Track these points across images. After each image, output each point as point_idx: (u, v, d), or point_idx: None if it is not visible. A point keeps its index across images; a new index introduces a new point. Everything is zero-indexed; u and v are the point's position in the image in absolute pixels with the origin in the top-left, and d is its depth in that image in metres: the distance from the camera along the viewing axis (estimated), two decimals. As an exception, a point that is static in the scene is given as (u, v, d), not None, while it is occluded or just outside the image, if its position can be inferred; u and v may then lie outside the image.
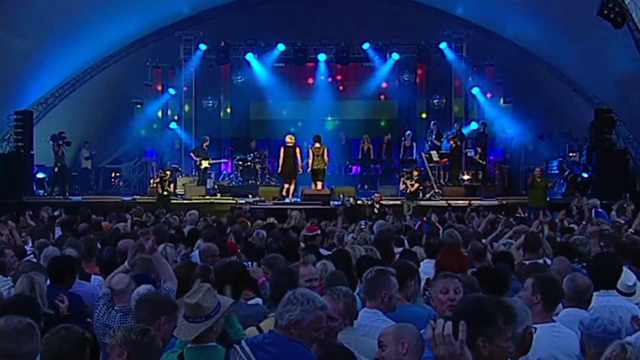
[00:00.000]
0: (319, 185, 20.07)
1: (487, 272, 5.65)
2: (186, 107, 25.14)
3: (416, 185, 19.04)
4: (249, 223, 12.15)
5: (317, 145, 20.06)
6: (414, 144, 23.12)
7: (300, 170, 19.85)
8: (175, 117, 25.08)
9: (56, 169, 22.04)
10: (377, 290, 4.69)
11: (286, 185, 20.38)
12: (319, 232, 9.30)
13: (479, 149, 22.64)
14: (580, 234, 9.10)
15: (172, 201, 20.25)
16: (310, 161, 20.02)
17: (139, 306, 4.34)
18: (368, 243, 8.19)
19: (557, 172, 22.55)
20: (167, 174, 20.33)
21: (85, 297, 5.89)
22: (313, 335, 3.77)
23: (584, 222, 10.60)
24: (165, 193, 19.66)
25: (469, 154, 22.78)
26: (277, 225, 12.10)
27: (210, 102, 25.33)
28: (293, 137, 20.06)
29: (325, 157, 20.00)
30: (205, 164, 22.17)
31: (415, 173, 19.35)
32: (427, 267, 6.70)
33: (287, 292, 3.89)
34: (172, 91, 24.87)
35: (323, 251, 8.31)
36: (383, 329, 3.64)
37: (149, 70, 24.77)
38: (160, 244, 8.30)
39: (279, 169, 20.26)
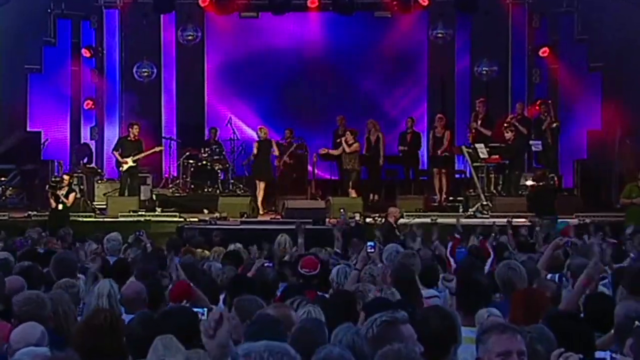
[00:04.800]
0: (353, 193, 21.89)
1: (570, 322, 5.64)
2: (108, 78, 25.04)
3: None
4: (205, 252, 12.12)
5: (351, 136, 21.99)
6: (449, 132, 23.06)
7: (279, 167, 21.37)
8: (92, 93, 24.96)
9: None
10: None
11: (258, 188, 21.71)
12: (317, 270, 9.24)
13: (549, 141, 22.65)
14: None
15: (88, 219, 20.55)
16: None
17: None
18: (376, 280, 8.26)
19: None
20: (63, 180, 20.49)
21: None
22: None
23: None
24: (61, 207, 19.80)
25: (534, 148, 22.74)
26: (243, 253, 12.13)
27: (145, 70, 25.15)
28: (266, 130, 21.85)
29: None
30: (128, 162, 22.02)
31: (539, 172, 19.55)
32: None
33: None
34: (86, 53, 24.76)
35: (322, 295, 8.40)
36: None
37: (50, 21, 24.61)
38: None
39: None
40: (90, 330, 5.54)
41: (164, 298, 7.93)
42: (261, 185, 22.06)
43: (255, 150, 22.17)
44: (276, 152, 22.13)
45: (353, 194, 21.88)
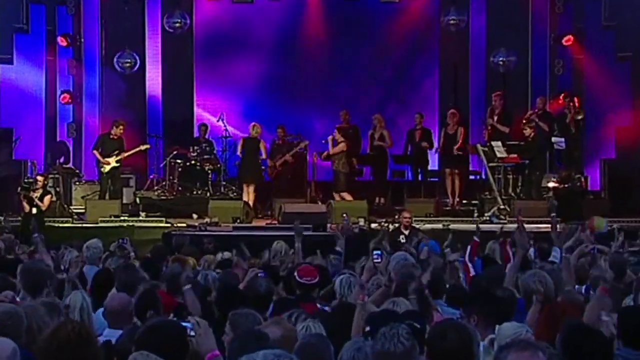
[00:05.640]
0: (347, 196, 21.94)
1: (586, 337, 5.72)
2: (87, 70, 24.98)
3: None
4: (190, 261, 12.14)
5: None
6: (463, 129, 23.02)
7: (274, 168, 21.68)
8: (69, 86, 24.92)
9: None
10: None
11: (245, 191, 21.71)
12: (316, 278, 9.21)
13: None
14: None
15: (65, 225, 20.63)
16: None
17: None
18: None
19: None
20: (37, 181, 20.41)
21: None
22: None
23: None
24: (35, 211, 19.76)
25: (556, 147, 22.68)
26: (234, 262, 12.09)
27: (128, 60, 25.10)
28: (259, 128, 21.91)
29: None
30: (111, 162, 21.93)
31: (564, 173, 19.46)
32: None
33: None
34: (62, 42, 24.70)
35: (322, 307, 8.54)
36: None
37: (22, 6, 24.49)
38: (36, 295, 8.24)
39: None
40: (56, 345, 5.47)
41: (160, 312, 7.92)
42: (250, 189, 21.99)
43: (239, 148, 22.17)
44: (264, 155, 22.17)
45: (337, 197, 21.81)
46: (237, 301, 8.02)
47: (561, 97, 23.44)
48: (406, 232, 17.61)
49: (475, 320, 7.10)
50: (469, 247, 12.20)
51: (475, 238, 12.35)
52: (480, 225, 19.08)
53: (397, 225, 18.64)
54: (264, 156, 22.17)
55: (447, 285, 9.87)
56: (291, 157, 22.79)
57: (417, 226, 18.87)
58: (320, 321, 6.73)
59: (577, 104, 22.83)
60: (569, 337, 5.69)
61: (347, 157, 22.06)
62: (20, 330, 6.41)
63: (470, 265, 11.23)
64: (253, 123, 22.34)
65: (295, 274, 9.30)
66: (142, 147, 22.85)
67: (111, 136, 22.22)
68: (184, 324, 5.91)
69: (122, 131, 22.22)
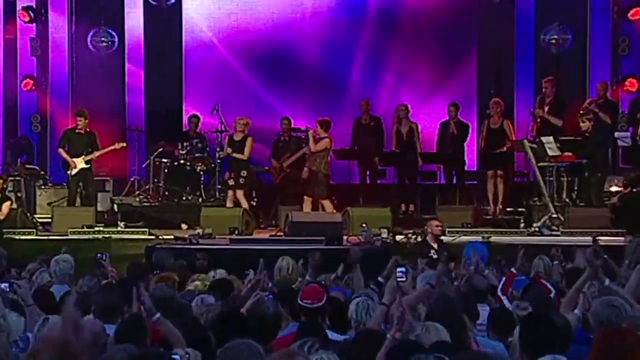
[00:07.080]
0: (327, 205, 21.55)
1: None
2: (54, 51, 24.95)
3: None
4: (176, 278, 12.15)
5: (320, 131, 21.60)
6: (509, 122, 22.93)
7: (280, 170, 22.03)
8: (33, 70, 25.02)
9: None
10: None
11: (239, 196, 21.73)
12: (322, 301, 9.24)
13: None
14: None
15: (29, 237, 20.68)
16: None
17: None
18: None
19: None
20: None
21: None
22: None
23: None
24: None
25: (620, 143, 22.60)
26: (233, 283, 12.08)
27: (104, 39, 25.22)
28: (246, 122, 21.87)
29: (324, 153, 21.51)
30: (78, 164, 21.86)
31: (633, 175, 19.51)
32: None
33: None
34: (24, 17, 24.76)
35: (334, 335, 8.48)
36: None
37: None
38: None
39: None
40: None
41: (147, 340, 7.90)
42: (234, 194, 21.93)
43: (227, 148, 22.00)
44: (245, 154, 21.96)
45: (307, 203, 21.62)
46: (237, 329, 8.05)
47: (635, 81, 23.29)
48: (435, 246, 17.36)
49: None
50: (503, 278, 12.13)
51: (513, 270, 12.23)
52: (528, 238, 19.39)
53: (422, 237, 18.45)
54: (245, 155, 21.81)
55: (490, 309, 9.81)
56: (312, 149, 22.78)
57: (452, 238, 18.84)
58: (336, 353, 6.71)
59: None
60: None
61: (329, 156, 21.82)
62: None
63: (504, 298, 11.15)
64: (239, 117, 22.12)
65: (299, 296, 9.31)
66: (117, 146, 22.66)
67: (78, 131, 22.10)
68: (173, 356, 5.85)
69: (83, 123, 22.03)
